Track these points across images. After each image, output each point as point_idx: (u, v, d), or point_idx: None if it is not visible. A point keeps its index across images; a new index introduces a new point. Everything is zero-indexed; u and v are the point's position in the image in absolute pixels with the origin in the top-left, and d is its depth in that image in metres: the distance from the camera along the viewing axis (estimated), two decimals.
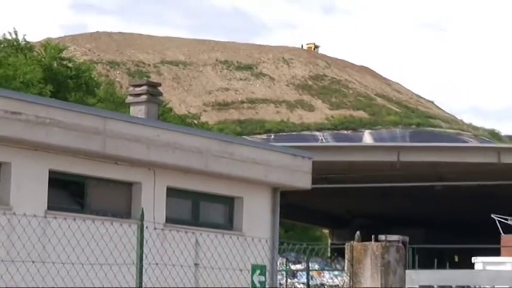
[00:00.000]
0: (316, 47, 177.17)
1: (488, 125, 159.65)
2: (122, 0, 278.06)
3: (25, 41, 69.22)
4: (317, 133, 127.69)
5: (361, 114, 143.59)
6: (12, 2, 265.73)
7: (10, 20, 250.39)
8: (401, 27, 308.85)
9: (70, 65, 68.38)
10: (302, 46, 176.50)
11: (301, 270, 44.15)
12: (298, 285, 42.34)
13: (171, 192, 20.04)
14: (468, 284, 11.15)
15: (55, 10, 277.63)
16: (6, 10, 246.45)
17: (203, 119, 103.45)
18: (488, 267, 36.65)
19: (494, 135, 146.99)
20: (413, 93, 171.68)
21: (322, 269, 48.55)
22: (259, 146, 25.13)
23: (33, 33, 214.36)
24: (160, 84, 26.63)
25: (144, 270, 11.75)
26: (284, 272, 39.30)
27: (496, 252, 41.92)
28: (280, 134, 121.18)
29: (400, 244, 11.24)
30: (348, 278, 11.20)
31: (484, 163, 49.58)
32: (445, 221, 55.45)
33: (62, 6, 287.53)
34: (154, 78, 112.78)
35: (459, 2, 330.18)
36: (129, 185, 19.38)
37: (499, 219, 47.95)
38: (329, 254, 58.99)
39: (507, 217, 47.78)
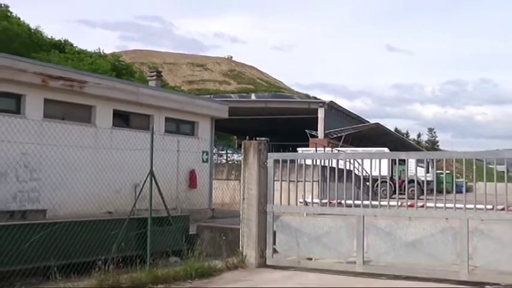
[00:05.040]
0: (231, 57, 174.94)
1: (304, 91, 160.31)
2: (142, 35, 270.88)
3: (103, 52, 67.69)
4: (232, 95, 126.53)
5: (250, 87, 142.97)
6: (98, 36, 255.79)
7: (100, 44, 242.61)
8: (268, 47, 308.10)
9: (123, 63, 67.40)
10: (226, 56, 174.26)
11: (224, 153, 44.27)
12: (223, 161, 42.39)
13: (168, 119, 19.80)
14: (295, 158, 11.12)
15: (113, 39, 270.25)
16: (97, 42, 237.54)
17: (182, 88, 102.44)
18: (304, 152, 37.03)
19: (308, 96, 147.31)
20: (273, 77, 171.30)
21: (233, 153, 48.62)
22: (206, 100, 24.98)
23: (108, 49, 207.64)
24: (161, 71, 26.25)
25: (153, 153, 11.59)
26: (216, 154, 39.32)
27: (307, 146, 42.46)
28: (216, 95, 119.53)
29: (265, 142, 11.20)
30: (243, 156, 11.17)
31: (302, 108, 49.87)
32: (285, 133, 55.57)
33: (114, 37, 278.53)
34: (161, 69, 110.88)
35: (295, 33, 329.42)
36: (148, 116, 19.11)
37: (309, 132, 48.46)
38: (236, 146, 58.91)
39: (313, 131, 48.29)
